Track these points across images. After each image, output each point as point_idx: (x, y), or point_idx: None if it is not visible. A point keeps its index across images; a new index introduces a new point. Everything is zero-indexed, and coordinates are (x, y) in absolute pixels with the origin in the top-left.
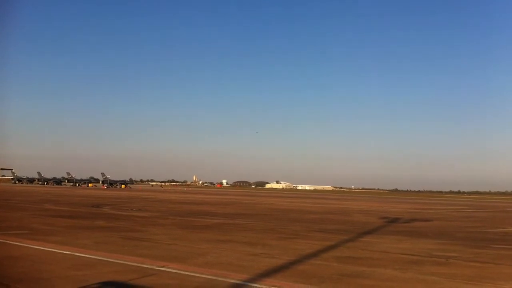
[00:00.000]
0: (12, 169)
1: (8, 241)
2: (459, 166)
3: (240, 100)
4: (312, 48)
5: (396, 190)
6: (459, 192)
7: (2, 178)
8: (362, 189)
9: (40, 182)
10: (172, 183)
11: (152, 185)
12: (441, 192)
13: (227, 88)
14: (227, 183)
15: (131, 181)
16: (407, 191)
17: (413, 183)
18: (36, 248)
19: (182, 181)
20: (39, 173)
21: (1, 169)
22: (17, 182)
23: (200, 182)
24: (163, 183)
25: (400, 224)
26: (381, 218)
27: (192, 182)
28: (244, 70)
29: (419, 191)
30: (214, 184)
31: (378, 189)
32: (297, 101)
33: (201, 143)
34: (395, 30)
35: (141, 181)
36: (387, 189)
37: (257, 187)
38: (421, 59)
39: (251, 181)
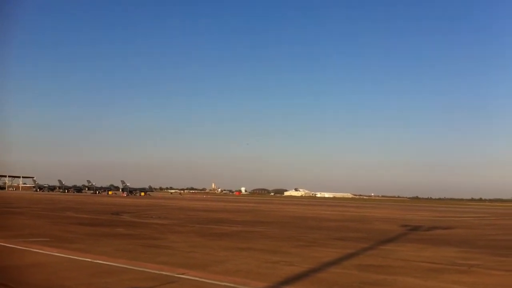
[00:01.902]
0: (33, 177)
1: (30, 249)
2: (480, 173)
3: (258, 107)
4: (328, 52)
5: (416, 198)
6: (480, 200)
7: (23, 186)
8: (382, 196)
9: (61, 190)
10: (191, 191)
11: (171, 193)
12: (462, 199)
13: (244, 94)
14: (245, 191)
15: (151, 189)
16: (428, 198)
17: (434, 191)
18: (58, 256)
19: (201, 188)
20: (60, 181)
21: (23, 177)
22: (38, 190)
23: (219, 189)
24: (182, 191)
25: (421, 232)
26: (401, 226)
27: (211, 189)
28: (259, 76)
29: (440, 199)
30: (232, 192)
31: (398, 196)
32: (316, 108)
33: (219, 150)
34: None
35: (160, 188)
36: (408, 196)
37: (276, 195)
38: (442, 63)
39: (270, 188)
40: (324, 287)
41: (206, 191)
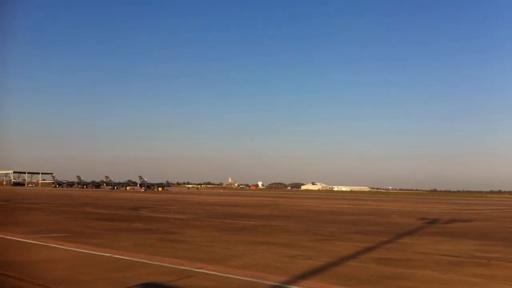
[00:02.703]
0: (52, 173)
1: (49, 244)
2: (499, 164)
3: (275, 101)
4: (342, 45)
5: (435, 191)
6: (499, 192)
7: (43, 182)
8: (400, 190)
9: (79, 186)
10: (208, 186)
11: (189, 188)
12: (481, 192)
13: (261, 89)
14: (262, 185)
15: (168, 184)
16: (446, 191)
17: (452, 183)
18: (76, 251)
19: (217, 183)
20: (78, 177)
21: (42, 173)
22: (57, 186)
23: (236, 184)
24: (199, 186)
25: (439, 225)
26: (419, 219)
27: (227, 184)
28: (274, 70)
29: (458, 191)
30: (249, 186)
31: (416, 189)
32: (332, 101)
33: (236, 145)
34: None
35: (178, 183)
36: (426, 189)
37: (293, 189)
38: (456, 55)
39: (287, 182)
40: (342, 281)
41: (223, 185)
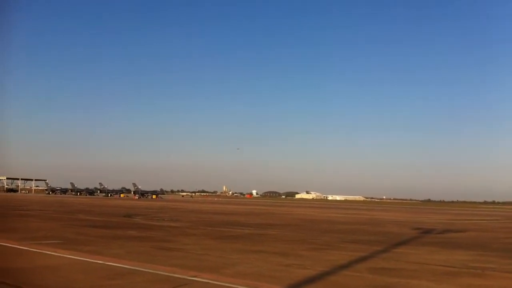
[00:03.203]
0: (46, 180)
1: (43, 251)
2: (493, 176)
3: (269, 110)
4: (340, 57)
5: (429, 201)
6: (493, 203)
7: (36, 189)
8: (394, 199)
9: (73, 193)
10: (202, 194)
11: (183, 196)
12: (475, 202)
13: (255, 98)
14: (257, 194)
15: (162, 192)
16: (440, 201)
17: (446, 194)
18: (70, 258)
19: (212, 191)
20: (72, 184)
21: (35, 179)
22: (50, 192)
23: (230, 192)
24: (193, 194)
25: (434, 235)
26: (414, 229)
27: (222, 192)
28: (270, 81)
29: (452, 202)
30: (244, 195)
31: (410, 199)
32: (326, 111)
33: (230, 154)
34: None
35: (172, 191)
36: (420, 199)
37: (287, 198)
38: (450, 68)
39: (281, 191)
40: None
41: (217, 194)
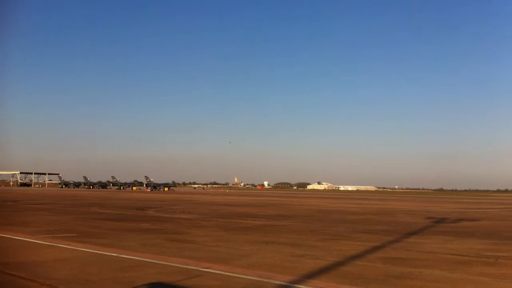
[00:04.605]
0: (59, 174)
1: (57, 244)
2: (507, 164)
3: (280, 101)
4: (352, 46)
5: (441, 190)
6: (507, 191)
7: (49, 183)
8: (406, 189)
9: (86, 186)
10: (214, 186)
11: (195, 188)
12: (488, 191)
13: (266, 89)
14: (268, 185)
15: (174, 184)
16: (452, 190)
17: (459, 182)
18: (83, 251)
19: (223, 183)
20: (85, 177)
21: (49, 173)
22: (64, 186)
23: (242, 184)
24: (205, 186)
25: (446, 224)
26: (426, 218)
27: (233, 184)
28: (279, 72)
29: (465, 190)
30: (255, 186)
31: (422, 188)
32: (337, 102)
33: (242, 145)
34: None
35: (184, 184)
36: (432, 188)
37: (299, 188)
38: (462, 53)
39: (292, 182)
40: (349, 280)
41: (229, 185)
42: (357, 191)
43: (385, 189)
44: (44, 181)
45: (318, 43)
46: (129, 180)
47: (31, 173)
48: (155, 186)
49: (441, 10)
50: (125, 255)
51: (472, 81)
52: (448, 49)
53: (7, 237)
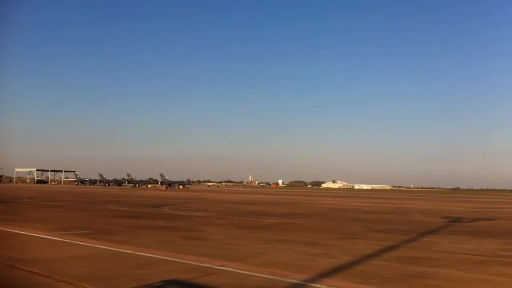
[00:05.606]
0: (75, 171)
1: (73, 241)
2: None
3: (294, 100)
4: (358, 42)
5: (457, 189)
6: None
7: (65, 180)
8: (422, 188)
9: (101, 184)
10: (229, 184)
11: (209, 186)
12: (504, 190)
13: (279, 87)
14: (283, 183)
15: (189, 182)
16: (468, 189)
17: (474, 182)
18: (99, 248)
19: (238, 181)
20: (100, 175)
21: (65, 171)
22: (79, 183)
23: (256, 182)
24: (219, 184)
25: (462, 223)
26: (442, 218)
27: (248, 182)
28: (296, 70)
29: (481, 190)
30: (270, 184)
31: (438, 188)
32: (353, 100)
33: (256, 143)
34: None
35: (198, 181)
36: (448, 188)
37: (313, 187)
38: (473, 53)
39: (307, 181)
40: (364, 279)
41: (244, 183)
42: (372, 190)
43: (400, 188)
44: (60, 178)
45: (345, 42)
46: (144, 177)
47: (48, 171)
48: (169, 184)
49: (441, 10)
50: (141, 252)
51: (487, 79)
52: (461, 44)
53: (24, 234)
